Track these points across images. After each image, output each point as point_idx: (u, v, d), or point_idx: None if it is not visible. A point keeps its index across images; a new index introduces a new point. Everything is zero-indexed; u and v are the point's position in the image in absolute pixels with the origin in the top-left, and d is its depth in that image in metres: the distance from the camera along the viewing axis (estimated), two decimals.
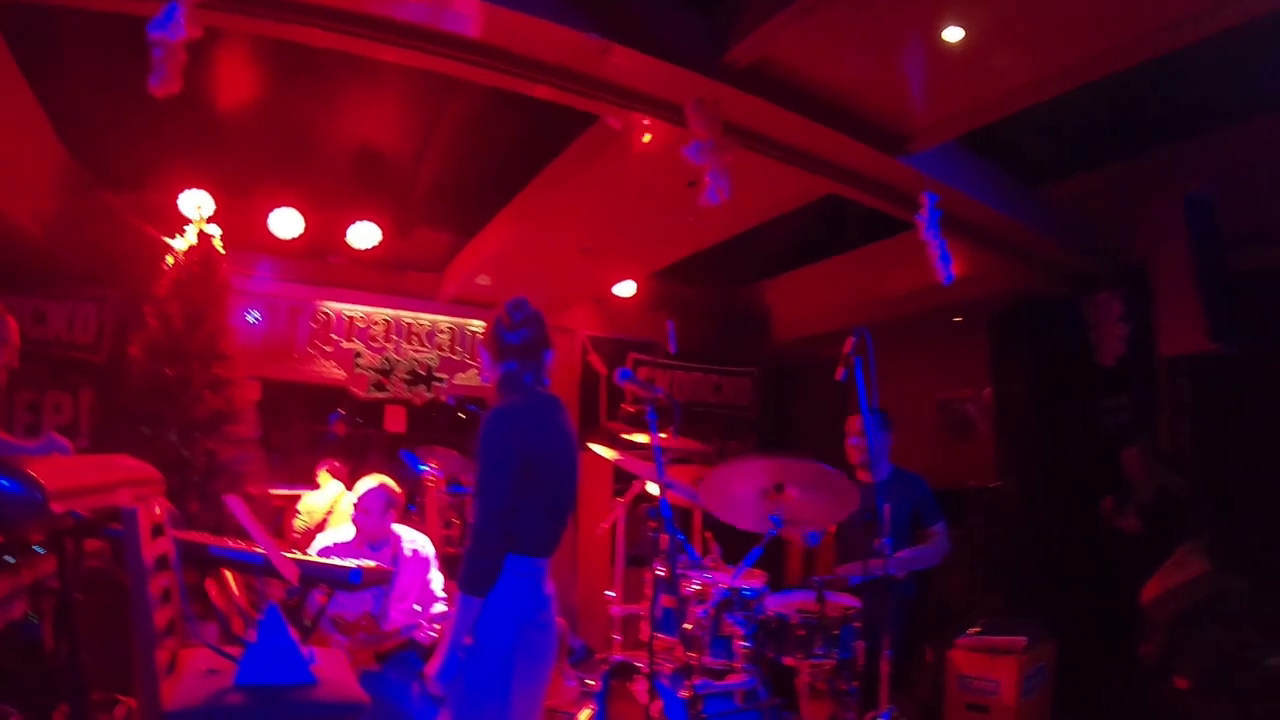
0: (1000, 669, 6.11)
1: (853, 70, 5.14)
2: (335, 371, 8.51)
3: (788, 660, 4.69)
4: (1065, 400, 7.88)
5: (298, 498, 7.51)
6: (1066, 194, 7.57)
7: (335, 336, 8.62)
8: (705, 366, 10.52)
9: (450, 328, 9.08)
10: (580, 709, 5.78)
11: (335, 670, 3.52)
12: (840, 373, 4.51)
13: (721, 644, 4.73)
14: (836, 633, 4.66)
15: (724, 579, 4.82)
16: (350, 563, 4.42)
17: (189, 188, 7.07)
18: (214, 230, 7.00)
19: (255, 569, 3.92)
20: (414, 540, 5.47)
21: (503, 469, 3.36)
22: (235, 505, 3.59)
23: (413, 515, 7.60)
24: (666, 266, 8.63)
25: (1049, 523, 7.54)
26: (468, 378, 9.03)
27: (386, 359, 8.62)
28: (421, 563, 5.44)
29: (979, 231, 7.16)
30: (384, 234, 7.94)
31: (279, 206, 7.70)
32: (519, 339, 3.60)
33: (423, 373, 8.64)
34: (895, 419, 5.82)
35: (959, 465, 8.72)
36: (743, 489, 4.75)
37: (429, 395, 8.63)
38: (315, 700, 3.24)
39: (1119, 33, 4.72)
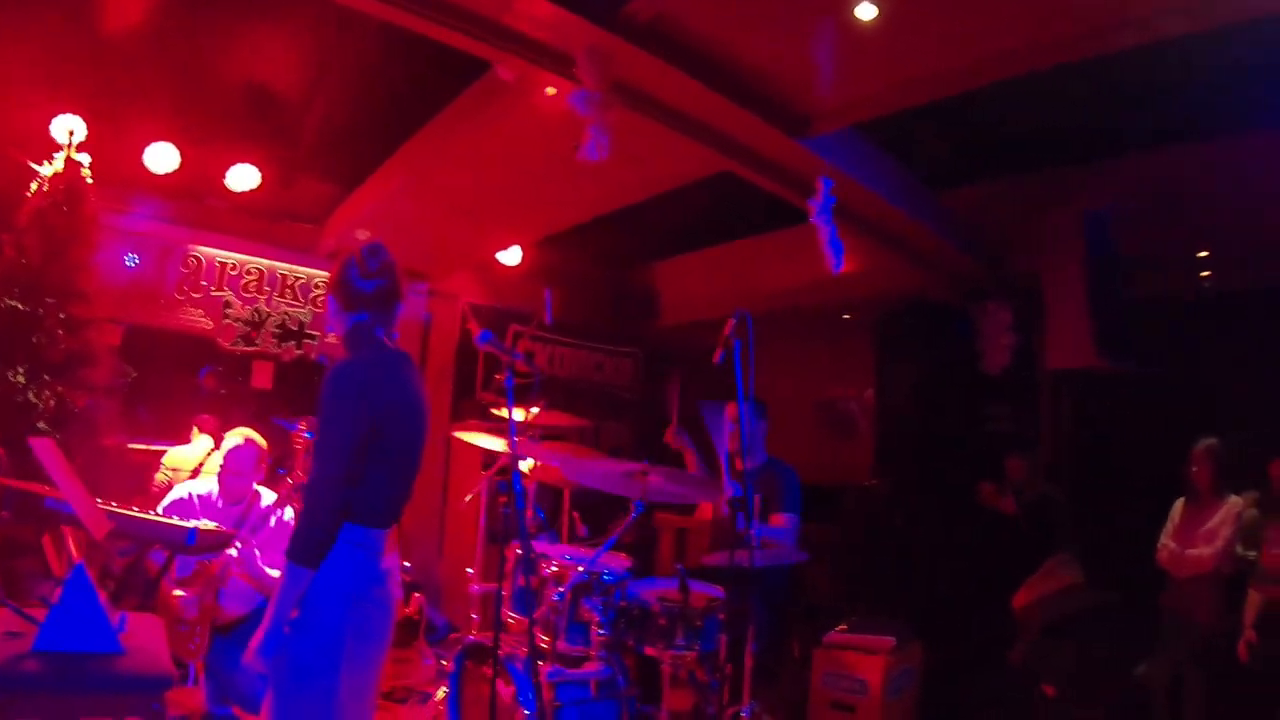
0: (867, 668, 6.02)
1: (757, 40, 4.93)
2: (202, 321, 8.04)
3: (649, 650, 4.54)
4: (948, 405, 7.87)
5: (162, 452, 7.08)
6: (967, 201, 7.53)
7: (205, 283, 8.13)
8: (588, 344, 10.27)
9: (326, 283, 8.05)
10: (437, 688, 5.58)
11: (147, 639, 3.22)
12: (718, 355, 4.35)
13: (578, 630, 4.56)
14: (700, 624, 4.51)
15: (585, 561, 4.63)
16: (189, 523, 4.13)
17: (62, 112, 6.59)
18: (84, 159, 6.55)
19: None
20: (273, 502, 5.18)
21: (345, 430, 3.09)
22: (41, 449, 3.23)
23: (282, 479, 7.23)
24: (556, 238, 8.36)
25: (924, 525, 7.51)
26: (340, 338, 8.21)
27: (257, 311, 8.17)
28: (280, 526, 5.11)
29: (875, 227, 7.08)
30: (265, 179, 7.52)
31: (157, 140, 7.22)
32: (373, 288, 3.31)
33: (294, 328, 8.21)
34: (777, 413, 5.69)
35: (838, 463, 8.68)
36: (608, 468, 4.69)
37: (299, 352, 8.20)
38: (119, 672, 2.97)
39: (1040, 30, 4.63)
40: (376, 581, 3.18)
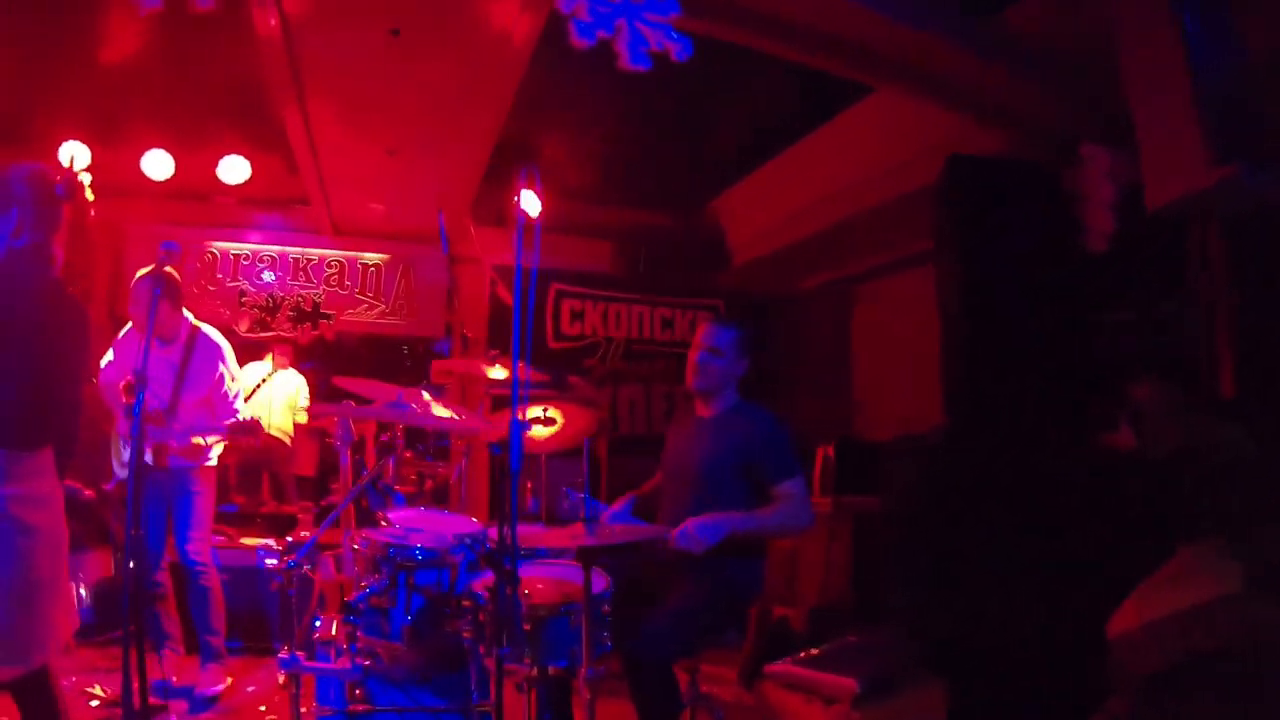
0: None
1: None
2: (221, 311, 8.00)
3: (485, 656, 3.45)
4: (1043, 311, 5.00)
5: None
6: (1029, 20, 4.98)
7: (221, 276, 8.29)
8: (652, 298, 8.64)
9: (339, 261, 8.43)
10: None
11: None
12: None
13: (375, 616, 3.70)
14: (532, 628, 3.36)
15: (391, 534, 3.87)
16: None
17: (68, 139, 6.95)
18: (85, 179, 6.50)
19: None
20: (208, 332, 5.16)
21: None
22: None
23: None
24: (601, 186, 7.52)
25: (991, 496, 4.76)
26: (357, 314, 8.35)
27: (271, 296, 8.06)
28: (209, 352, 5.07)
29: (903, 66, 5.11)
30: (260, 168, 7.54)
31: (153, 149, 7.42)
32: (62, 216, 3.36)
33: (308, 309, 7.88)
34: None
35: None
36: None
37: (315, 333, 7.89)
38: None
39: None
40: None
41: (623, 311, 8.70)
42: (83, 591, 6.07)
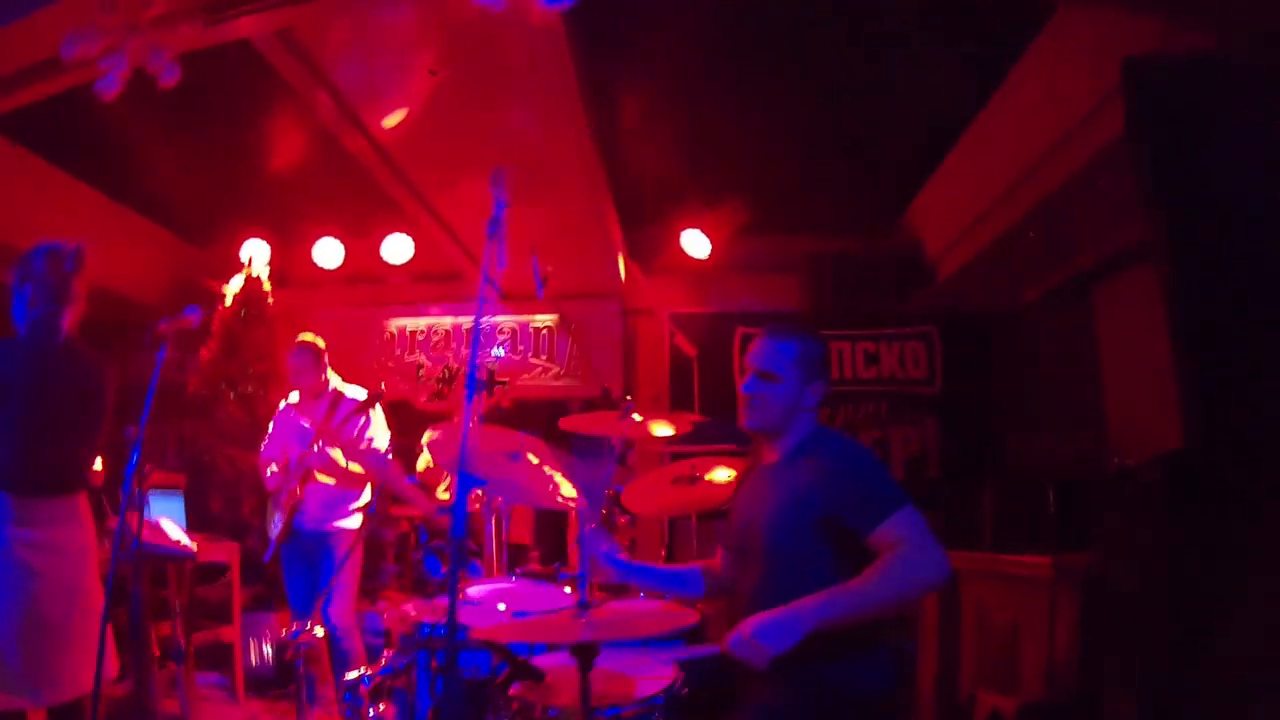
0: None
1: None
2: (400, 385, 8.27)
3: None
4: None
5: None
6: None
7: (399, 352, 8.85)
8: (850, 332, 7.45)
9: (511, 327, 8.70)
10: None
11: None
12: None
13: (401, 695, 3.30)
14: None
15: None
16: None
17: (250, 237, 7.77)
18: (262, 273, 7.73)
19: None
20: (350, 391, 5.50)
21: None
22: None
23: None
24: (785, 216, 7.26)
25: (1231, 548, 3.32)
26: (533, 378, 8.51)
27: (447, 368, 8.42)
28: (350, 407, 5.33)
29: None
30: (422, 245, 7.99)
31: (328, 239, 8.10)
32: (74, 285, 3.67)
33: (483, 378, 7.26)
34: None
35: None
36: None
37: (492, 400, 7.38)
38: None
39: None
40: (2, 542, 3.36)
41: None
42: (267, 648, 6.62)
